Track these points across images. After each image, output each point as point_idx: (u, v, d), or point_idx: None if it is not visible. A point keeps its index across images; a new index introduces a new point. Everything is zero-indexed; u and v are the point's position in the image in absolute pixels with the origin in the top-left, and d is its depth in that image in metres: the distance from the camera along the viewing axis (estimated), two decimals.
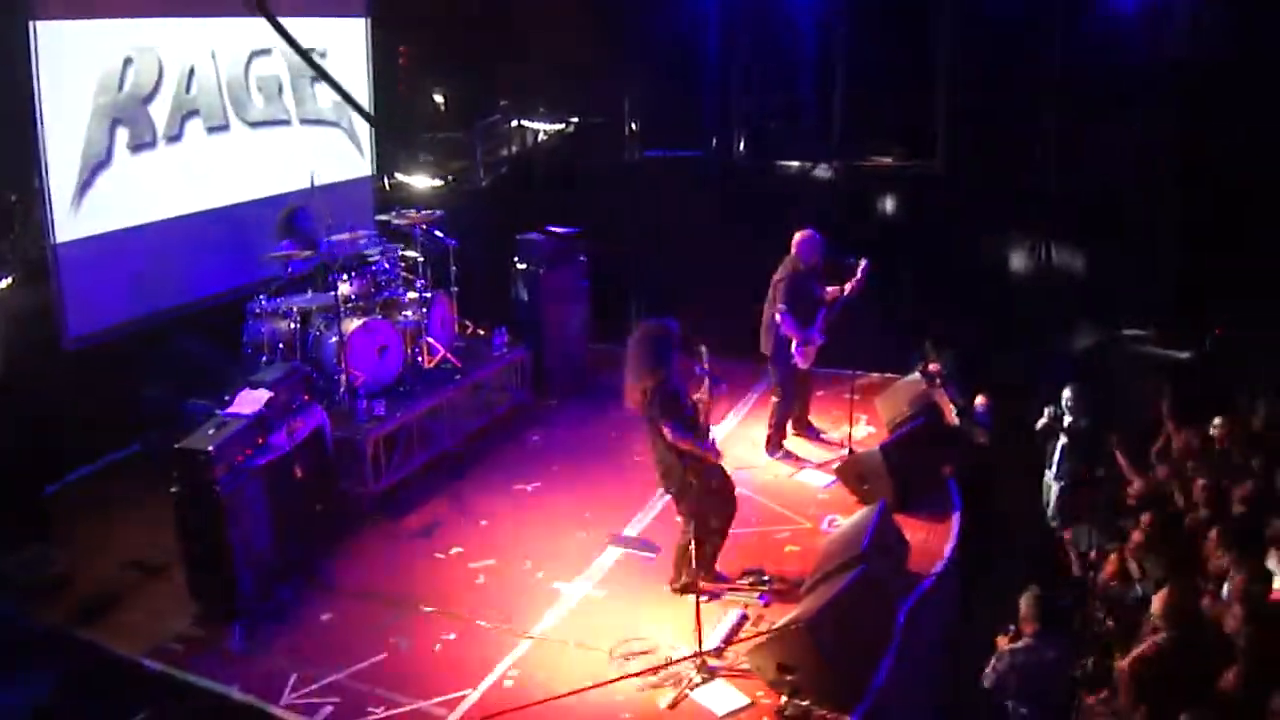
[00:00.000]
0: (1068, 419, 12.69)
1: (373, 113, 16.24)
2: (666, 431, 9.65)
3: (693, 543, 9.70)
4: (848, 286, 12.64)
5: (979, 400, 13.50)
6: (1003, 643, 9.44)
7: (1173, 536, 10.26)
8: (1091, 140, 16.01)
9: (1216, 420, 12.08)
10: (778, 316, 12.49)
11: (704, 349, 9.94)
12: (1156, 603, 8.89)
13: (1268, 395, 12.56)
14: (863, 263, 12.56)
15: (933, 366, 13.74)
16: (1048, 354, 15.11)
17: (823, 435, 13.59)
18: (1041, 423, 13.09)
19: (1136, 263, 15.54)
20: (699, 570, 9.78)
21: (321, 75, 14.07)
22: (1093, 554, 10.88)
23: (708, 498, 9.88)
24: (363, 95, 16.07)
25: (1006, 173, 16.43)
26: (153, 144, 13.15)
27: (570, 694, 8.64)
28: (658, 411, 9.67)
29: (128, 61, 12.72)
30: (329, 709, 8.81)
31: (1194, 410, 12.48)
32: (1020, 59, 16.27)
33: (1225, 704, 8.11)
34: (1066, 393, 12.85)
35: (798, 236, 12.63)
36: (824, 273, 12.73)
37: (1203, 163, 14.65)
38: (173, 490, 9.69)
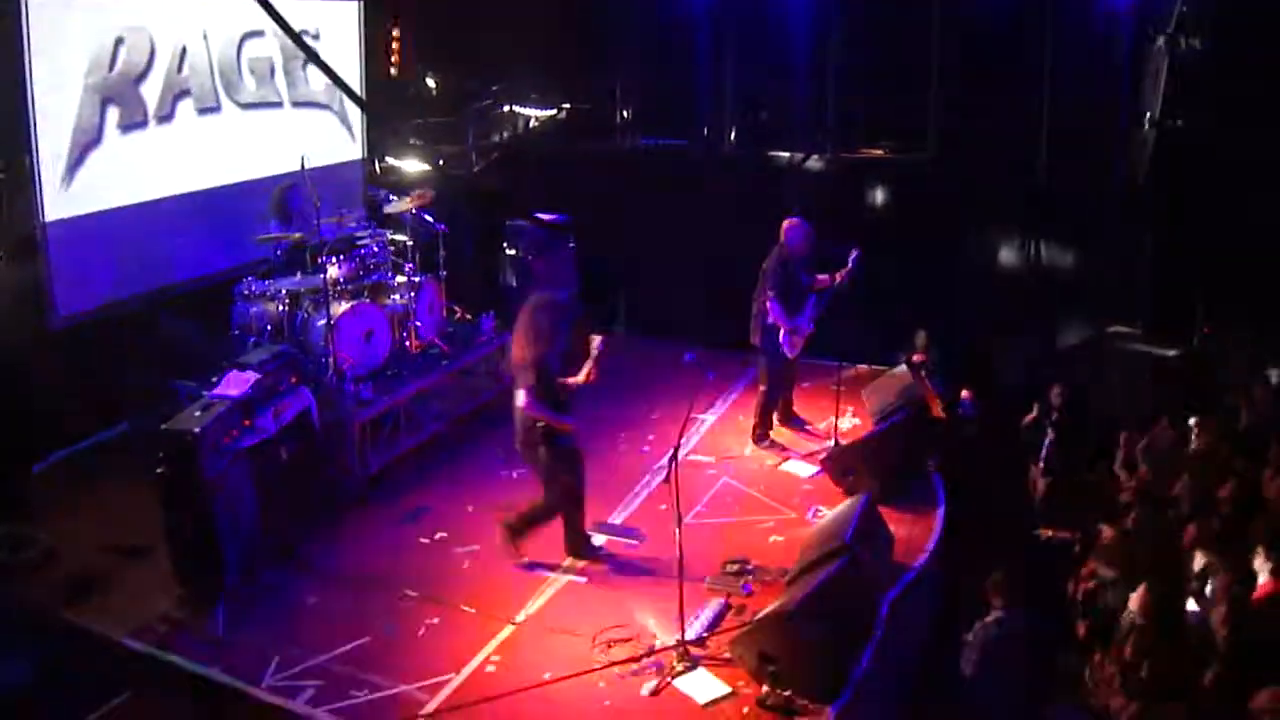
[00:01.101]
0: (1055, 415, 12.76)
1: (364, 96, 16.22)
2: (521, 395, 9.99)
3: (559, 519, 10.63)
4: (838, 275, 12.65)
5: (964, 393, 13.55)
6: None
7: (1154, 534, 10.32)
8: (1081, 135, 16.06)
9: (1202, 418, 12.15)
10: (766, 305, 12.51)
11: (598, 339, 10.34)
12: (1135, 601, 8.95)
13: (1253, 394, 12.64)
14: (854, 252, 12.57)
15: (918, 358, 13.78)
16: (1035, 349, 15.16)
17: (808, 426, 13.61)
18: (1029, 418, 13.15)
19: (1125, 259, 15.58)
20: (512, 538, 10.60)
21: (312, 58, 14.03)
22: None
23: (561, 465, 10.37)
24: (354, 78, 16.05)
25: (997, 167, 16.46)
26: (144, 124, 13.13)
27: (552, 681, 8.69)
28: (526, 379, 9.97)
29: (119, 41, 12.68)
30: (311, 691, 8.82)
31: (1181, 408, 12.54)
32: (1012, 53, 16.29)
33: (1207, 701, 8.17)
34: (1055, 390, 12.92)
35: (786, 225, 12.63)
36: (813, 262, 12.75)
37: (1193, 158, 14.68)
38: (158, 471, 9.68)
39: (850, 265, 12.55)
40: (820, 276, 12.72)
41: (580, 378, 10.26)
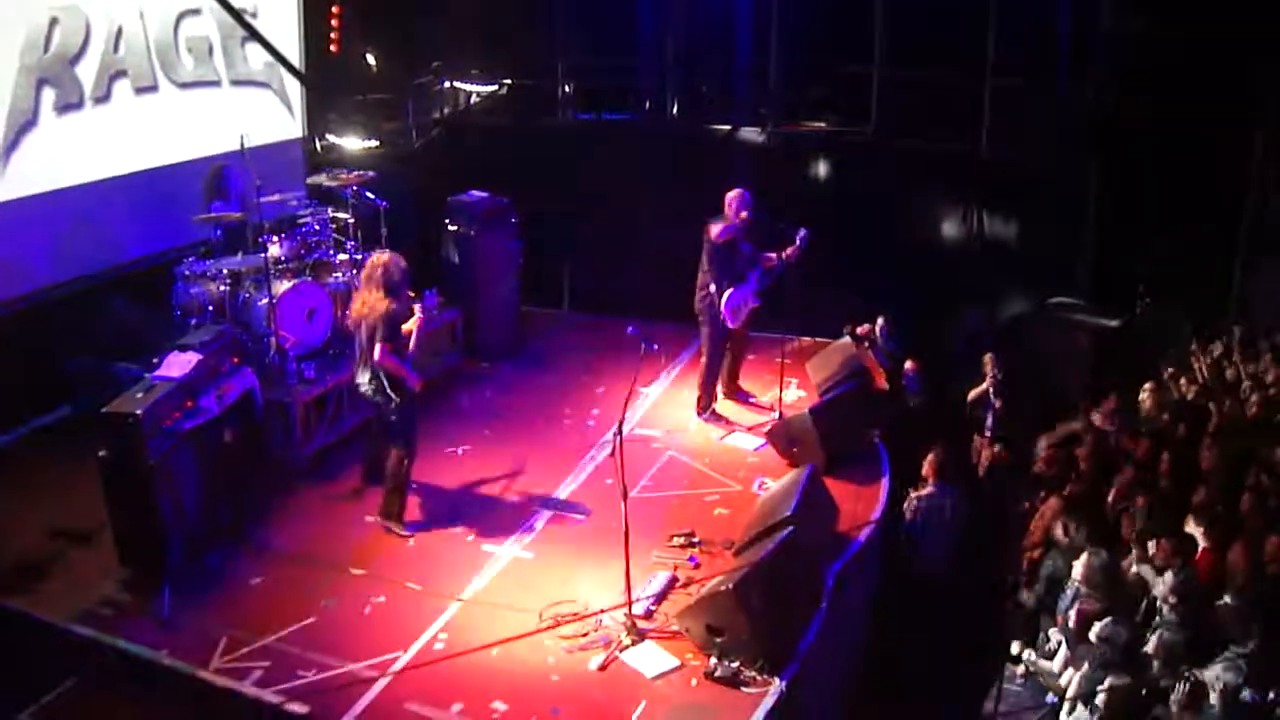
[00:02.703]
0: (998, 385, 12.83)
1: (304, 74, 16.11)
2: (379, 349, 10.31)
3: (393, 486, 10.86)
4: (786, 253, 12.66)
5: (908, 365, 13.61)
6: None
7: (1096, 502, 10.42)
8: (1023, 108, 16.14)
9: (1146, 387, 12.27)
10: (708, 275, 12.53)
11: (419, 311, 11.03)
12: (1079, 569, 9.03)
13: (1192, 363, 12.78)
14: (801, 232, 12.59)
15: (862, 330, 13.83)
16: (977, 320, 15.21)
17: (753, 399, 13.65)
18: (976, 392, 13.20)
19: (1067, 230, 15.67)
20: (393, 517, 10.88)
21: (251, 32, 13.94)
22: None
23: (410, 418, 10.82)
24: (294, 56, 15.92)
25: (939, 139, 16.54)
26: (80, 105, 13.01)
27: (496, 643, 8.80)
28: (382, 332, 10.31)
29: (54, 21, 12.56)
30: (259, 673, 8.79)
31: (1122, 377, 12.66)
32: (953, 27, 16.35)
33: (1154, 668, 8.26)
34: (987, 358, 13.01)
35: (730, 195, 12.64)
36: (762, 237, 12.76)
37: (1133, 131, 14.78)
38: (100, 455, 9.64)
39: (798, 244, 12.57)
40: (768, 254, 12.74)
41: (411, 324, 10.75)
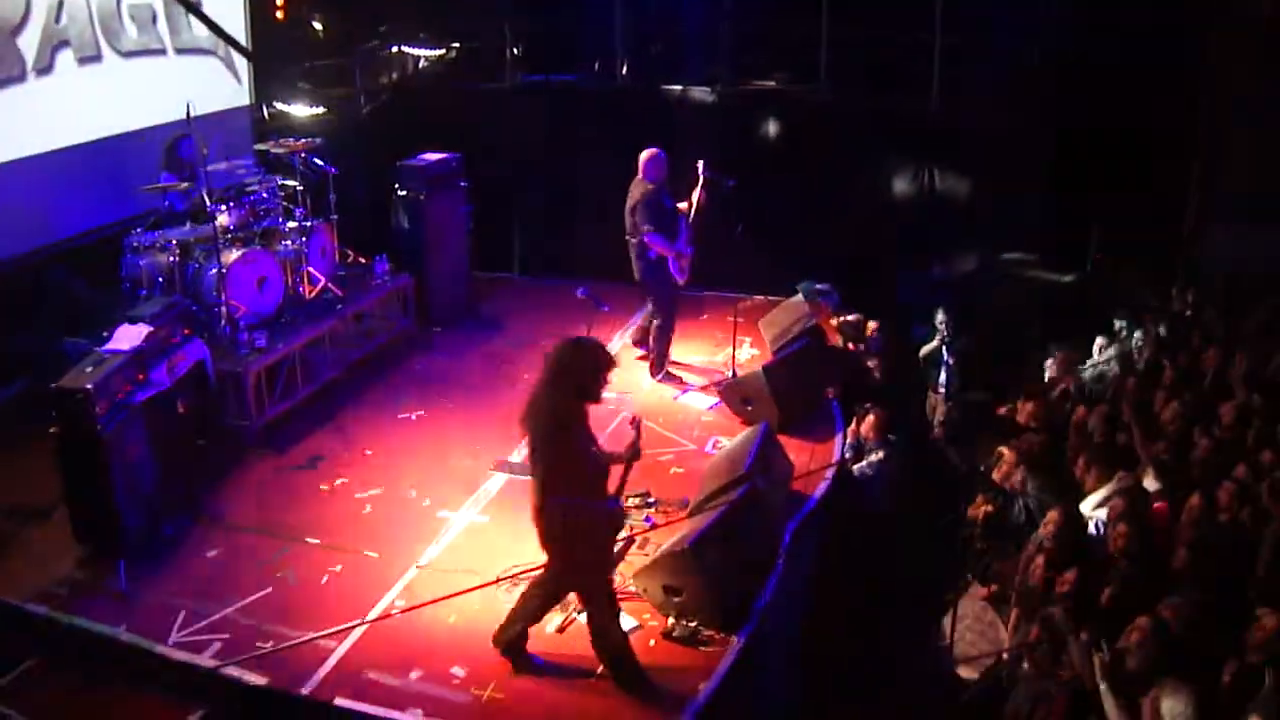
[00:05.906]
0: (945, 340, 12.90)
1: (249, 40, 15.98)
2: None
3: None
4: (693, 196, 12.93)
5: (871, 326, 13.65)
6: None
7: (1055, 457, 10.49)
8: (975, 65, 16.16)
9: (1099, 341, 12.36)
10: (645, 240, 12.59)
11: None
12: (1047, 527, 9.05)
13: (1147, 319, 12.88)
14: (730, 182, 12.67)
15: (820, 287, 13.87)
16: (933, 278, 15.27)
17: (697, 361, 13.73)
18: (929, 348, 13.28)
19: (1018, 188, 15.71)
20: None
21: (191, 9, 13.82)
22: None
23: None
24: (239, 22, 15.80)
25: (890, 97, 16.55)
26: (22, 77, 12.84)
27: (450, 596, 8.81)
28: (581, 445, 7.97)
29: None
30: (217, 645, 8.77)
31: (1074, 332, 12.76)
32: None
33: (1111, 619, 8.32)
34: (940, 315, 13.07)
35: (644, 156, 12.80)
36: (704, 192, 12.85)
37: (1085, 85, 14.83)
38: (52, 430, 9.57)
39: (703, 178, 12.71)
40: (678, 205, 12.89)
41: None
